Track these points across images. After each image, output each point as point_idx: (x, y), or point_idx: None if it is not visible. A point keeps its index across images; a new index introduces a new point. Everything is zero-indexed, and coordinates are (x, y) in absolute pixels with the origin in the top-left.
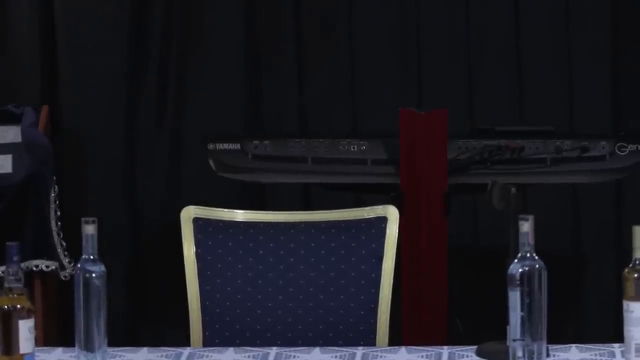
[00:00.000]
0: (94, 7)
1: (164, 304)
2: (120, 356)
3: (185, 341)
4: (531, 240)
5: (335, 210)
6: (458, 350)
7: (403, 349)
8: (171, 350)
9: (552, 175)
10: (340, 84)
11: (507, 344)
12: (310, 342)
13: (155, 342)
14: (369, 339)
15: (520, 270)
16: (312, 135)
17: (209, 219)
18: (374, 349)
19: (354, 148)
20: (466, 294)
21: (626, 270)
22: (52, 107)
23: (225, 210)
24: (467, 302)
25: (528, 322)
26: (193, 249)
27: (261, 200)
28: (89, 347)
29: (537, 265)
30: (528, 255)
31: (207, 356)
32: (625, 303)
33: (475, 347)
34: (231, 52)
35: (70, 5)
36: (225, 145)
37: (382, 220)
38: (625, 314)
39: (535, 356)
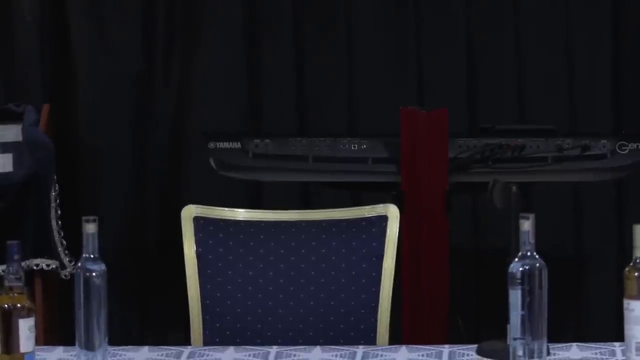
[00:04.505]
0: (98, 8)
1: (164, 302)
2: (120, 355)
3: (185, 340)
4: (532, 239)
5: (336, 209)
6: (459, 348)
7: (404, 347)
8: (172, 349)
9: (553, 174)
10: (340, 83)
11: (508, 342)
12: (310, 341)
13: (155, 341)
14: (369, 338)
15: (520, 269)
16: (312, 133)
17: (210, 218)
18: (374, 347)
19: (354, 147)
20: (467, 292)
21: (627, 268)
22: (53, 106)
23: (226, 209)
24: (468, 301)
25: (529, 321)
26: (194, 248)
27: (261, 199)
28: (89, 346)
29: (537, 264)
30: (529, 253)
31: (207, 355)
32: (625, 301)
33: (476, 345)
34: (231, 51)
35: (74, 5)
36: (226, 144)
37: (383, 219)
38: (625, 313)
39: (535, 355)
